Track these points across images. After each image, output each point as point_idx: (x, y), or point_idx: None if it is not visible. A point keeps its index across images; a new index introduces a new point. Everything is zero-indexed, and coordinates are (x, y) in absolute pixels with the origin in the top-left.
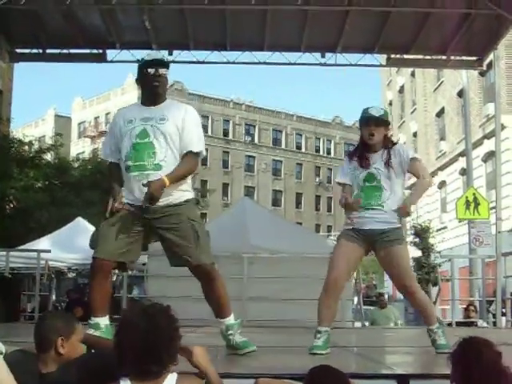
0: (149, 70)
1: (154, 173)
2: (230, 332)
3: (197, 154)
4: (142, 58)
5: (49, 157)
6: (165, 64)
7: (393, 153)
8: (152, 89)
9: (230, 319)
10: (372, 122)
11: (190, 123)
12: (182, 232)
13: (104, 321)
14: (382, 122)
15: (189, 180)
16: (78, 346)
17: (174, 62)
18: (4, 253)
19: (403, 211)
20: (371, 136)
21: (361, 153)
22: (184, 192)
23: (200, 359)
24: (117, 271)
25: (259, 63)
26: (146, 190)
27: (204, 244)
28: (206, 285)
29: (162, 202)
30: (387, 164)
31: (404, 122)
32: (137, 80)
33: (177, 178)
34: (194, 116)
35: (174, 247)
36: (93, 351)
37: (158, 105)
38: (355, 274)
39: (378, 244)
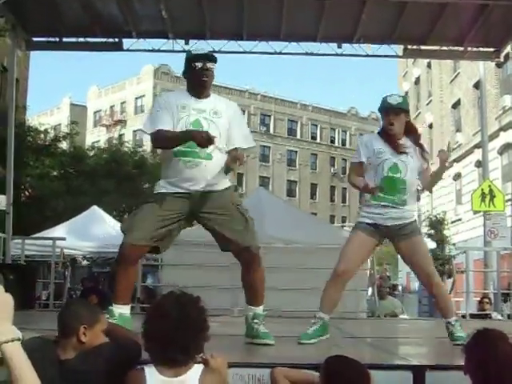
0: (197, 63)
1: (204, 161)
2: (256, 320)
3: (244, 150)
4: (189, 51)
5: (64, 145)
6: (212, 58)
7: (415, 144)
8: (200, 83)
9: (260, 309)
10: (391, 111)
11: (240, 120)
12: (229, 216)
13: (120, 309)
14: (401, 110)
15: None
16: (101, 336)
17: (190, 51)
18: (19, 240)
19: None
20: (391, 126)
21: (390, 137)
22: (226, 179)
23: (221, 370)
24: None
25: (275, 53)
26: (193, 176)
27: (252, 228)
28: (249, 269)
29: (206, 188)
30: (412, 156)
31: (420, 113)
32: (184, 73)
33: (240, 159)
34: (240, 112)
35: (224, 230)
36: (111, 341)
37: (207, 98)
38: (369, 264)
39: (396, 239)
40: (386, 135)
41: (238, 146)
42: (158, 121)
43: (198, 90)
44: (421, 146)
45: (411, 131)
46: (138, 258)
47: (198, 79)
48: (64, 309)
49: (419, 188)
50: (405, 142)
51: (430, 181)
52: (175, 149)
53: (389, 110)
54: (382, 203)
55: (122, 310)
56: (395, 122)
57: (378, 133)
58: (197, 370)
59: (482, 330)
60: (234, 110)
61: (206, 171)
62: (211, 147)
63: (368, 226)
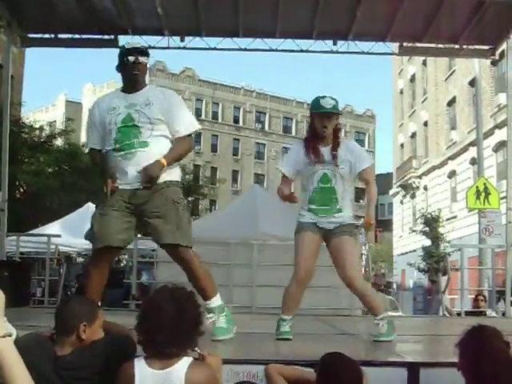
0: (129, 57)
1: (140, 150)
2: (209, 315)
3: (189, 135)
4: (123, 46)
5: (59, 142)
6: (144, 52)
7: (345, 148)
8: (132, 77)
9: (211, 302)
10: (324, 115)
11: (175, 107)
12: (164, 213)
13: None
14: (334, 114)
15: (177, 166)
16: (99, 331)
17: (185, 48)
18: (14, 237)
19: (368, 225)
20: (324, 129)
21: (314, 145)
22: (170, 173)
23: (216, 368)
24: (126, 256)
25: (271, 50)
26: (132, 169)
27: (184, 227)
28: (185, 269)
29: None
30: (341, 163)
31: (415, 110)
32: (117, 67)
33: (173, 158)
34: (178, 99)
35: (156, 228)
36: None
37: (140, 91)
38: (365, 262)
39: (330, 238)
40: (312, 144)
41: (181, 134)
42: (89, 138)
43: (130, 84)
44: (334, 155)
45: (335, 136)
46: (109, 260)
47: (129, 73)
48: (63, 306)
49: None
50: (334, 149)
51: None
52: (112, 148)
53: (322, 113)
54: (319, 214)
55: None
56: (328, 126)
57: (304, 144)
58: (184, 362)
59: (475, 326)
60: (168, 97)
61: (142, 160)
62: (146, 135)
63: (309, 225)
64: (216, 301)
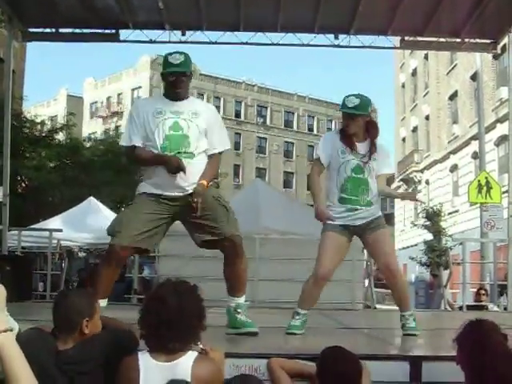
0: (170, 79)
1: (188, 160)
2: (239, 310)
3: (220, 153)
4: (166, 57)
5: (61, 136)
6: (185, 72)
7: (377, 148)
8: (175, 91)
9: (242, 299)
10: (345, 114)
11: (217, 123)
12: (210, 210)
13: (102, 302)
14: (355, 114)
15: None
16: (99, 323)
17: (186, 42)
18: (16, 232)
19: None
20: (346, 128)
21: (348, 135)
22: None
23: (219, 363)
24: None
25: (272, 44)
26: (177, 179)
27: (234, 218)
28: (231, 259)
29: (188, 192)
30: (371, 158)
31: (416, 104)
32: (161, 74)
33: (210, 177)
34: (218, 116)
35: (205, 224)
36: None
37: (185, 100)
38: (366, 256)
39: (364, 234)
40: (346, 135)
41: (218, 151)
42: (132, 136)
43: (174, 93)
44: (372, 146)
45: (370, 133)
46: (124, 259)
47: (172, 87)
48: (62, 302)
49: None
50: (367, 146)
51: (384, 191)
52: (155, 151)
53: (344, 112)
54: (349, 206)
55: (102, 304)
56: (351, 124)
57: (340, 132)
58: (190, 356)
59: (473, 320)
60: (213, 112)
61: (187, 174)
62: (193, 146)
63: (337, 226)
64: (243, 298)
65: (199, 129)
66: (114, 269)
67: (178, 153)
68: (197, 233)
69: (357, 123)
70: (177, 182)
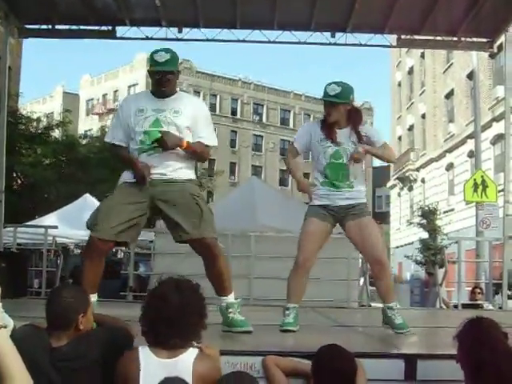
0: (155, 77)
1: (165, 153)
2: (230, 310)
3: (208, 147)
4: (152, 55)
5: (57, 133)
6: (171, 64)
7: (361, 136)
8: (160, 89)
9: (231, 297)
10: (327, 102)
11: (203, 118)
12: (185, 207)
13: (92, 298)
14: (337, 103)
15: (192, 165)
16: (91, 318)
17: (183, 39)
18: (11, 228)
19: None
20: (328, 116)
21: (328, 124)
22: (188, 171)
23: (215, 359)
24: (124, 248)
25: (269, 42)
26: (153, 162)
27: (208, 219)
28: (208, 261)
29: (167, 177)
30: (354, 144)
31: (413, 103)
32: (148, 70)
33: (193, 149)
34: (206, 111)
35: (178, 222)
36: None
37: (170, 97)
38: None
39: (346, 219)
40: (327, 124)
41: (202, 140)
42: (114, 133)
43: (160, 91)
44: (358, 134)
45: (351, 118)
46: (105, 252)
47: (157, 85)
48: (57, 299)
49: (362, 171)
50: (349, 133)
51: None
52: (136, 148)
53: (325, 100)
54: (331, 188)
55: (93, 299)
56: (333, 112)
57: (321, 122)
58: (191, 353)
59: (473, 318)
60: (199, 108)
61: (166, 159)
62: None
63: (319, 210)
64: (233, 295)
65: (179, 129)
66: (96, 262)
67: (155, 149)
68: (171, 230)
69: (338, 111)
70: (155, 165)
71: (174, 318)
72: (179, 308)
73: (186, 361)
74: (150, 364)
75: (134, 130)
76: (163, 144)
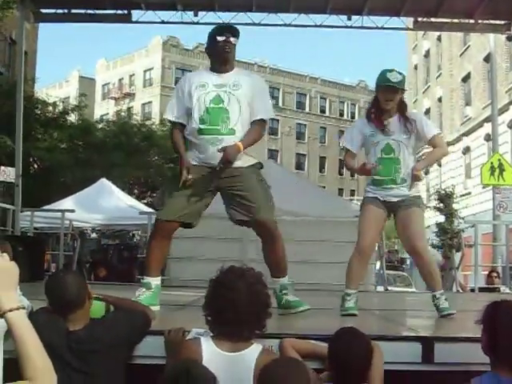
0: (218, 38)
1: (228, 137)
2: (284, 291)
3: (264, 121)
4: (214, 27)
5: (73, 118)
6: (234, 32)
7: (409, 121)
8: (223, 55)
9: (286, 279)
10: (389, 88)
11: (262, 91)
12: (251, 190)
13: (156, 281)
14: (399, 89)
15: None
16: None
17: (198, 23)
18: (29, 213)
19: (416, 177)
20: (388, 102)
21: (377, 116)
22: (250, 157)
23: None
24: (140, 232)
25: (285, 25)
26: (218, 153)
27: (271, 204)
28: (267, 243)
29: (233, 165)
30: (405, 133)
31: (429, 86)
32: (206, 48)
33: (249, 143)
34: (264, 84)
35: (243, 203)
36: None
37: (229, 72)
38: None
39: (397, 211)
40: (375, 116)
41: (260, 117)
42: (176, 109)
43: (220, 64)
44: (406, 120)
45: (400, 108)
46: (170, 232)
47: (219, 53)
48: (61, 283)
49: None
50: (399, 121)
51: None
52: (196, 127)
53: (388, 86)
54: (383, 186)
55: (157, 282)
56: (393, 99)
57: (367, 116)
58: (255, 349)
59: (497, 301)
60: (257, 81)
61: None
62: (234, 121)
63: (375, 200)
64: (287, 278)
65: (239, 102)
66: (162, 242)
67: (218, 128)
68: (232, 209)
69: (397, 99)
70: (218, 155)
71: (242, 307)
72: (246, 297)
73: (250, 355)
74: (213, 355)
75: (193, 106)
76: (225, 162)
